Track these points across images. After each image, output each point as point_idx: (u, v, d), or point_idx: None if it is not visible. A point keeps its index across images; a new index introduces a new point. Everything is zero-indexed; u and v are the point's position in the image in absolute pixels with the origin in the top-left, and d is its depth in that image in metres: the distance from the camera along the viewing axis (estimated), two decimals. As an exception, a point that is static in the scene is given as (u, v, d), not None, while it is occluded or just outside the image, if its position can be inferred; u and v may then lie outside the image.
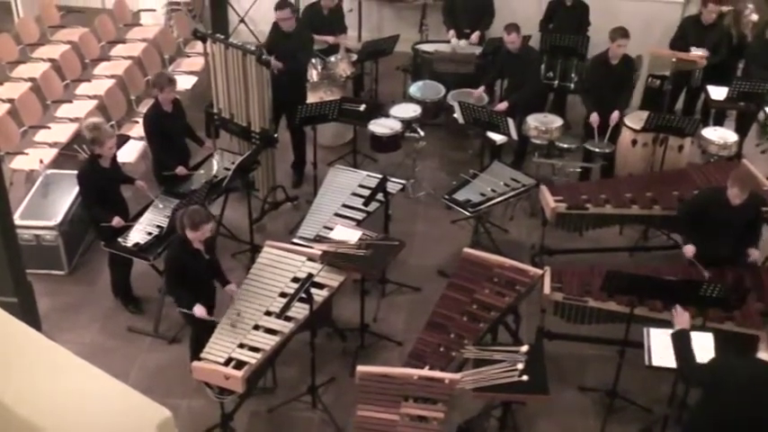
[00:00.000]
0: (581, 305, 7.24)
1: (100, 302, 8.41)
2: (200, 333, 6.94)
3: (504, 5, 11.27)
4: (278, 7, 9.50)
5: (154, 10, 12.91)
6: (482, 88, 10.04)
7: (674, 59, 9.96)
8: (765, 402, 5.48)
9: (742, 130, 10.08)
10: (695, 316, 6.81)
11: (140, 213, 8.12)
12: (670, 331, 6.09)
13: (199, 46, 11.56)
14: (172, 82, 8.42)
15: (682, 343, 5.89)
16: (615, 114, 9.37)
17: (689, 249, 7.47)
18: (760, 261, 7.74)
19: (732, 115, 10.53)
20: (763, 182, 8.37)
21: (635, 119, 9.41)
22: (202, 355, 6.60)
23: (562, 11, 10.85)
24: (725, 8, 10.50)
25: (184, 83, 10.88)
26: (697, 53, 10.02)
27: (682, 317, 6.09)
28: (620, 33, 9.32)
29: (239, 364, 6.50)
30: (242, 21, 12.84)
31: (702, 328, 6.56)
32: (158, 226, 7.92)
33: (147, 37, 11.96)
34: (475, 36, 10.91)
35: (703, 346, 6.06)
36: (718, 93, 9.93)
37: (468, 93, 10.11)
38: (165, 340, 7.98)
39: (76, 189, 8.30)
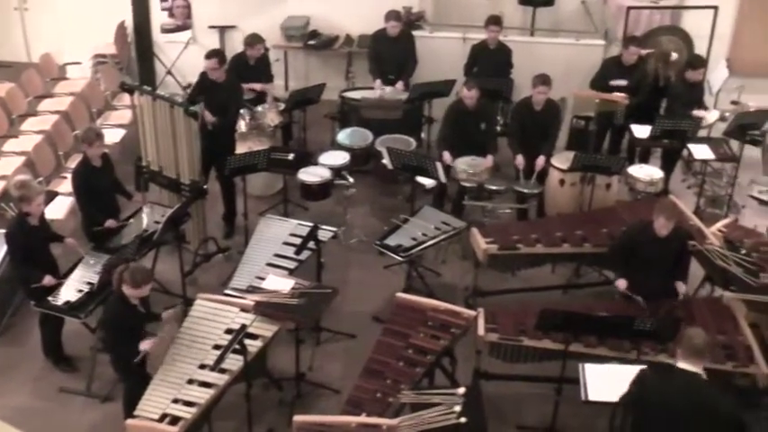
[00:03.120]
0: (516, 344, 7.27)
1: (30, 364, 8.21)
2: (134, 389, 6.81)
3: (427, 51, 11.40)
4: (208, 56, 9.51)
5: (80, 63, 12.83)
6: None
7: (597, 100, 10.20)
8: (685, 412, 5.62)
9: (667, 166, 10.34)
10: (629, 350, 6.94)
11: (70, 271, 7.97)
12: (605, 366, 6.17)
13: (126, 98, 11.53)
14: (100, 136, 8.34)
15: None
16: (540, 160, 9.53)
17: (621, 283, 7.60)
18: (690, 293, 7.89)
19: (657, 152, 10.76)
20: (690, 216, 8.54)
21: (562, 159, 9.54)
22: (136, 412, 6.48)
23: (485, 55, 11.01)
24: (644, 51, 10.77)
25: (113, 136, 10.74)
26: (619, 88, 10.24)
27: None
28: (540, 80, 9.49)
29: (174, 420, 6.40)
30: (169, 72, 12.83)
31: (637, 362, 6.63)
32: (89, 283, 7.77)
33: (75, 90, 11.85)
34: (399, 84, 11.04)
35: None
36: (641, 131, 10.09)
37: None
38: (98, 399, 7.82)
39: (4, 248, 8.14)
